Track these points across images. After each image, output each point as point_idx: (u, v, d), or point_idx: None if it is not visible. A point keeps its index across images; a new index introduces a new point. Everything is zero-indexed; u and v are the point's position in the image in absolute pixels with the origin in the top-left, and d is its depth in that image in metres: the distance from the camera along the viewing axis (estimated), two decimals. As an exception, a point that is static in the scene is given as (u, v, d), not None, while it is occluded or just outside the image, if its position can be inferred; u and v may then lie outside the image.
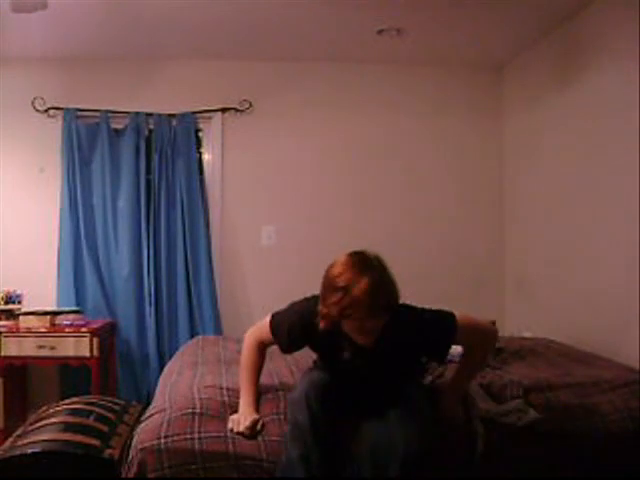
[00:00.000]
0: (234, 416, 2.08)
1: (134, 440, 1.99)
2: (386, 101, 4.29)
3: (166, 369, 2.86)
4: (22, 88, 4.02)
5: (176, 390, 2.31)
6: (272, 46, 3.94)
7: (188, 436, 1.95)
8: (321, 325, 1.89)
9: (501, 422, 2.12)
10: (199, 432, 1.98)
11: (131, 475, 1.88)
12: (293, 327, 2.07)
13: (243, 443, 1.96)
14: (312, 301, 2.00)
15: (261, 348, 2.21)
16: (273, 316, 2.16)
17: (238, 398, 2.16)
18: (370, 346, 1.96)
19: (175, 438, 1.94)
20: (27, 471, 2.02)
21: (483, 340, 2.13)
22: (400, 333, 1.96)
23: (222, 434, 1.98)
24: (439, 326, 2.02)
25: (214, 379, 2.40)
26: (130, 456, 1.92)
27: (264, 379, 2.27)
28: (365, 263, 1.86)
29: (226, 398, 2.20)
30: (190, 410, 2.08)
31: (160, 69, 4.15)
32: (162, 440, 1.93)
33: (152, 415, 2.12)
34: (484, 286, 4.30)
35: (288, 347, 2.18)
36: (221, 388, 2.28)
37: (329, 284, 1.86)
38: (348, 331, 1.93)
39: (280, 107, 4.24)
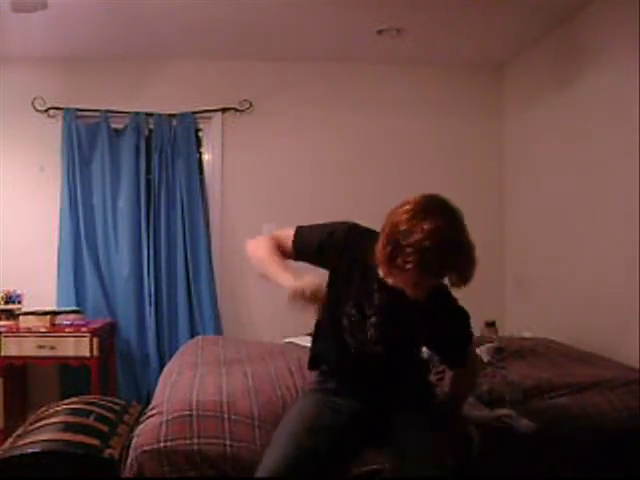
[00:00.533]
0: (290, 291, 1.70)
1: (133, 442, 1.97)
2: (386, 101, 4.29)
3: (166, 369, 2.85)
4: (22, 88, 4.02)
5: (175, 391, 2.29)
6: (272, 46, 3.94)
7: (187, 441, 1.93)
8: (384, 273, 1.72)
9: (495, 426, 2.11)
10: (198, 434, 1.96)
11: (130, 476, 1.88)
12: (333, 234, 1.85)
13: (241, 446, 1.94)
14: (355, 231, 1.88)
15: (276, 247, 1.92)
16: (301, 226, 1.94)
17: (238, 399, 2.14)
18: (417, 298, 1.74)
19: (174, 442, 1.92)
20: (27, 471, 2.02)
21: (475, 367, 2.16)
22: (441, 303, 1.86)
23: (221, 436, 1.97)
24: (466, 324, 1.95)
25: (214, 380, 2.39)
26: (129, 458, 1.92)
27: (263, 381, 2.25)
28: (459, 220, 1.70)
29: (225, 399, 2.18)
30: (188, 412, 2.06)
31: (160, 69, 4.16)
32: (162, 444, 1.91)
33: (151, 416, 2.10)
34: (484, 286, 4.28)
35: (318, 250, 1.86)
36: (220, 389, 2.26)
37: (413, 235, 1.64)
38: (399, 283, 1.72)
39: (280, 107, 4.24)
